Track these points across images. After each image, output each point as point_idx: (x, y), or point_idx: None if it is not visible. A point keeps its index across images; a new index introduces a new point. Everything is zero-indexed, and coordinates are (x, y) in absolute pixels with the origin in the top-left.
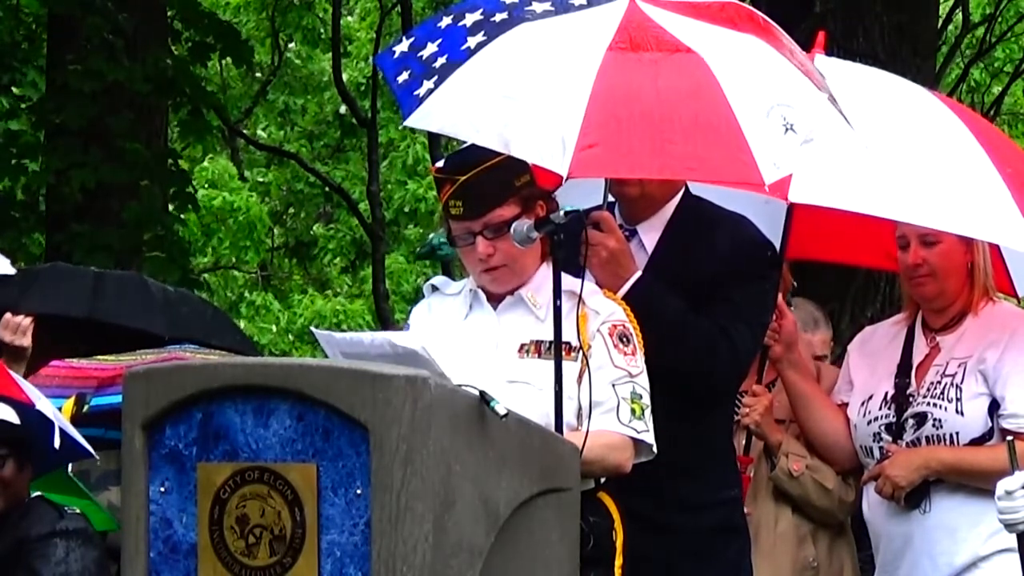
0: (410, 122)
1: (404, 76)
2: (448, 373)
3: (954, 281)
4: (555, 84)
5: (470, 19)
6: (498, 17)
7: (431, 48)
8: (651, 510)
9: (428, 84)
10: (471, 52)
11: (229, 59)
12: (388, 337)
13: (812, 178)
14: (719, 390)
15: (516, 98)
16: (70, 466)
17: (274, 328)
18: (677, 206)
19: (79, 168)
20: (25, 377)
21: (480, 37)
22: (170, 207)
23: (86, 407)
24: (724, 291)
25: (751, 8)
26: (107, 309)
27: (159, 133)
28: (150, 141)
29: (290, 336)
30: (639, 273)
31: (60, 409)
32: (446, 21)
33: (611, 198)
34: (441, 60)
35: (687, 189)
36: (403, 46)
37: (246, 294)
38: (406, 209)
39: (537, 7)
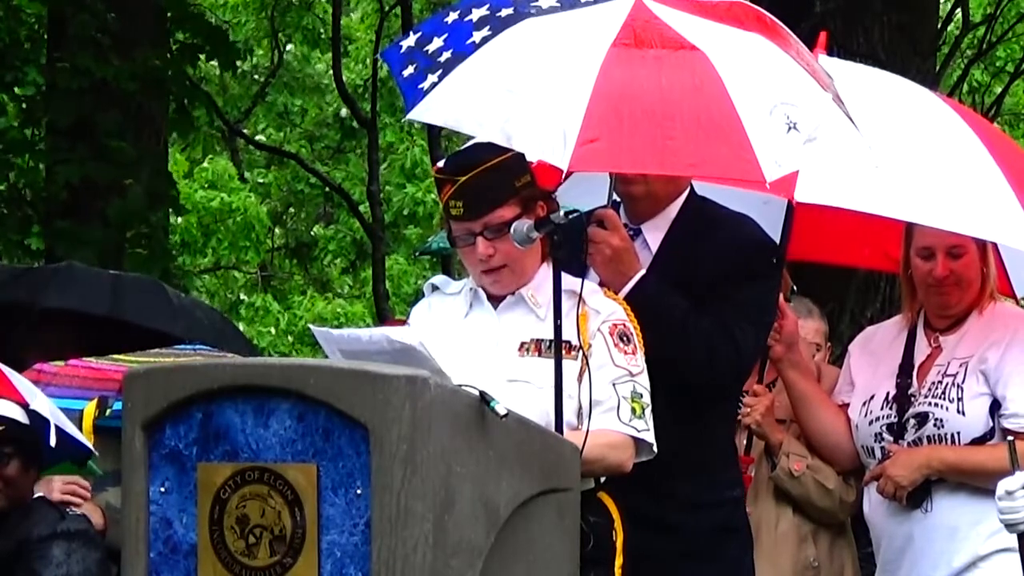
0: (413, 115)
1: (409, 70)
2: (445, 369)
3: (973, 289)
4: (558, 79)
5: (476, 14)
6: (504, 12)
7: (437, 43)
8: (654, 509)
9: (432, 78)
10: (476, 47)
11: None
12: (385, 333)
13: (818, 177)
14: (722, 390)
15: (519, 92)
16: None
17: (273, 330)
18: (682, 206)
19: (64, 164)
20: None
21: (485, 32)
22: (162, 208)
23: (108, 411)
24: (728, 290)
25: (758, 8)
26: (127, 309)
27: (156, 133)
28: (137, 140)
29: (290, 338)
30: (642, 272)
31: (82, 412)
32: (453, 16)
33: (616, 198)
34: (446, 54)
35: (692, 189)
36: (410, 40)
37: (244, 297)
38: (405, 212)
39: (543, 3)
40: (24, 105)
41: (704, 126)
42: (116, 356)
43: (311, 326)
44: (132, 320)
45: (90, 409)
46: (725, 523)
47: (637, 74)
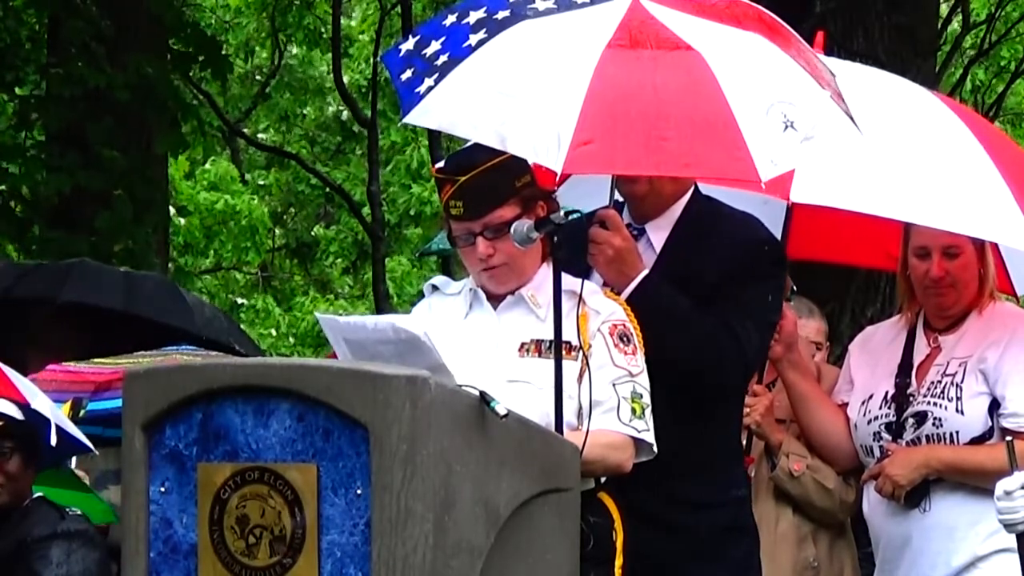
0: (409, 119)
1: (408, 74)
2: (447, 362)
3: (970, 290)
4: (552, 81)
5: (473, 17)
6: (501, 15)
7: (435, 46)
8: (659, 509)
9: (428, 81)
10: (472, 49)
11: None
12: (391, 321)
13: (813, 178)
14: (726, 389)
15: (514, 95)
16: (73, 462)
17: (274, 332)
18: (686, 205)
19: (55, 173)
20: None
21: (482, 34)
22: (150, 219)
23: (82, 412)
24: (732, 290)
25: (758, 7)
26: (142, 305)
27: (149, 142)
28: (129, 149)
29: (291, 339)
30: (645, 271)
31: None
32: (451, 19)
33: (618, 198)
34: (443, 58)
35: (696, 188)
36: (409, 44)
37: (241, 300)
38: (412, 212)
39: (540, 5)
40: (17, 106)
41: (698, 126)
42: (96, 360)
43: (316, 314)
44: (150, 316)
45: (64, 411)
46: (729, 522)
47: (631, 75)
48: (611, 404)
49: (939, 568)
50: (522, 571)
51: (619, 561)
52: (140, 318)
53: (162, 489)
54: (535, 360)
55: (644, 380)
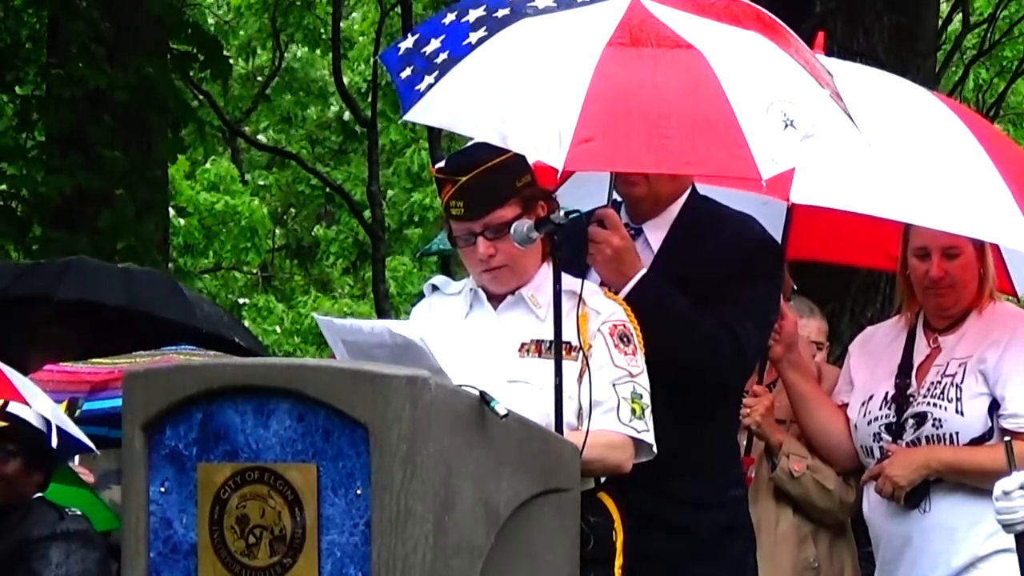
0: (409, 116)
1: (407, 72)
2: (444, 366)
3: (970, 290)
4: (553, 79)
5: (473, 15)
6: (500, 13)
7: (434, 44)
8: (658, 509)
9: (429, 79)
10: (472, 47)
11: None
12: (387, 325)
13: (813, 178)
14: (725, 389)
15: (514, 92)
16: (76, 462)
17: (278, 329)
18: (683, 205)
19: (56, 174)
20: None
21: (482, 32)
22: (151, 218)
23: (78, 411)
24: (730, 290)
25: (757, 6)
26: (142, 301)
27: (149, 142)
28: (130, 149)
29: (296, 338)
30: (643, 271)
31: None
32: (450, 17)
33: (617, 198)
34: (443, 56)
35: (694, 188)
36: (408, 43)
37: (242, 300)
38: (416, 219)
39: (540, 3)
40: (18, 105)
41: (699, 124)
42: (93, 360)
43: (315, 314)
44: (151, 311)
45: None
46: (728, 523)
47: (632, 73)
48: (611, 404)
49: (939, 569)
50: (522, 571)
51: (619, 561)
52: (141, 314)
53: (162, 489)
54: (535, 360)
55: (644, 380)
